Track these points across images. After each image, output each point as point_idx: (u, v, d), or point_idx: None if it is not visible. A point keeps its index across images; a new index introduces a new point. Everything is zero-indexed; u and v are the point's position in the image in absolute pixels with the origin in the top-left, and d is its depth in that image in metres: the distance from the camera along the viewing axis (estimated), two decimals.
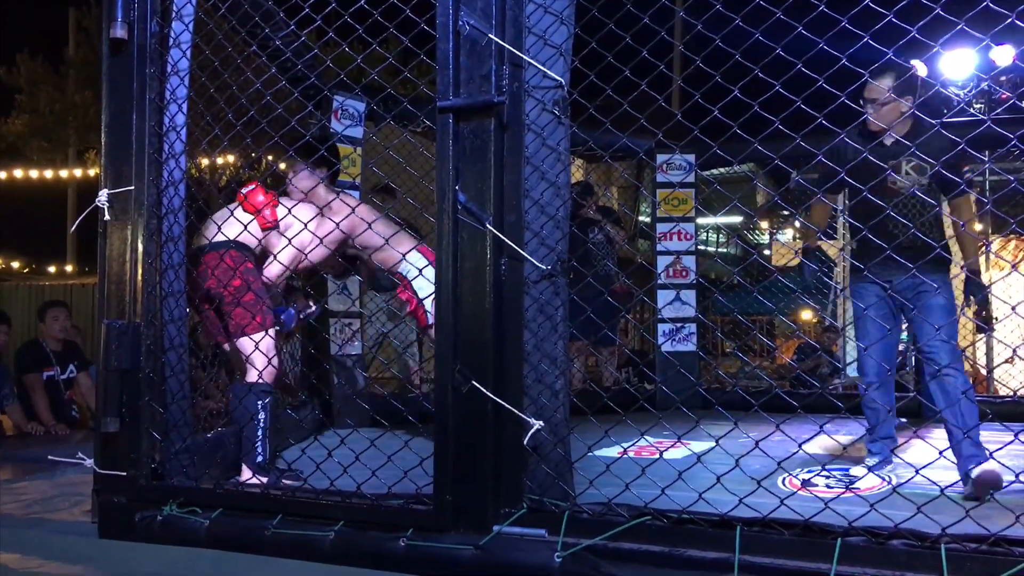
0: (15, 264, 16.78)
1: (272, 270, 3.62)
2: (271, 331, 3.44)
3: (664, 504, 2.17)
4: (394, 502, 2.44)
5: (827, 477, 3.38)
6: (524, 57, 2.31)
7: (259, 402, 3.36)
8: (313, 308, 4.02)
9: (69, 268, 16.61)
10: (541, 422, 2.24)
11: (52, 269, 16.76)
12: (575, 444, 2.36)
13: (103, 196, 2.87)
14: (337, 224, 3.37)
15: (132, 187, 2.84)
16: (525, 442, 2.23)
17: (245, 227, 3.38)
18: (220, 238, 3.38)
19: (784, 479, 3.24)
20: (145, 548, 2.64)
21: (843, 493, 3.04)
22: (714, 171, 7.74)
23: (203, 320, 3.55)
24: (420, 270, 3.74)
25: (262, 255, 3.65)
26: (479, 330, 2.29)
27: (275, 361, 3.41)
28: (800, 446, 2.23)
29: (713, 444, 2.21)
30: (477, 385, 2.25)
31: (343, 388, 5.39)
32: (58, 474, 3.95)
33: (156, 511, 2.70)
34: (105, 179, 2.90)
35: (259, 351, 3.32)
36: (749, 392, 6.06)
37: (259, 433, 3.37)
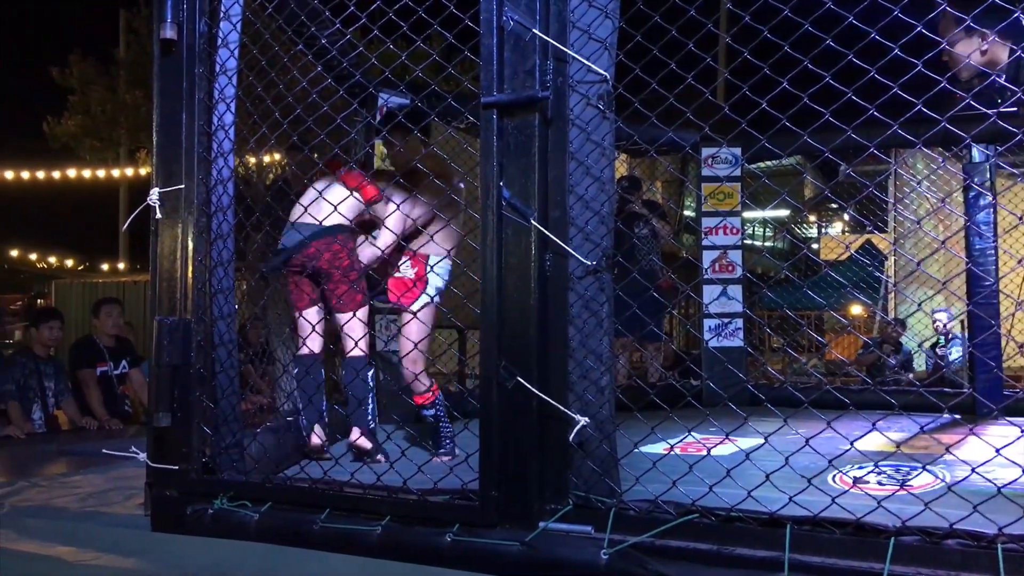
0: (69, 262, 17.20)
1: (382, 243, 3.88)
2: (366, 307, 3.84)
3: (712, 502, 2.15)
4: (440, 498, 2.45)
5: (879, 474, 3.32)
6: (568, 52, 2.30)
7: (370, 372, 3.75)
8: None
9: (121, 266, 16.98)
10: (586, 418, 2.22)
11: (105, 267, 17.16)
12: (621, 441, 2.35)
13: (154, 195, 2.91)
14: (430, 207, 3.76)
15: (182, 185, 2.88)
16: (571, 438, 2.22)
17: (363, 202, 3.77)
18: (331, 221, 3.63)
19: (835, 477, 3.19)
20: (196, 541, 2.68)
21: (896, 491, 2.98)
22: (760, 164, 7.64)
23: (294, 289, 3.80)
24: (439, 260, 3.88)
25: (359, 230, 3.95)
26: (524, 326, 2.28)
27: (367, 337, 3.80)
28: (852, 443, 2.19)
29: (762, 441, 2.19)
30: (522, 381, 2.24)
31: (389, 384, 5.42)
32: (112, 468, 4.04)
33: (207, 505, 2.74)
34: (156, 178, 2.95)
35: (362, 324, 3.72)
36: (799, 388, 5.99)
37: (371, 401, 3.73)
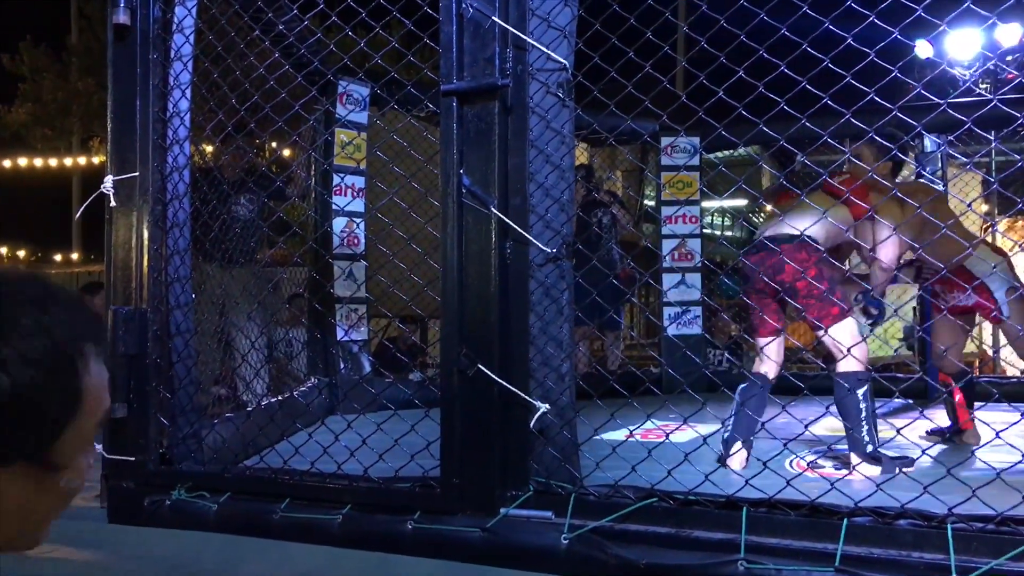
0: (21, 253, 16.82)
1: (886, 255, 3.62)
2: (851, 317, 3.42)
3: (670, 486, 2.17)
4: (401, 485, 2.45)
5: (834, 458, 3.38)
6: (528, 39, 2.30)
7: (860, 391, 3.31)
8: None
9: (75, 256, 16.66)
10: (547, 405, 2.24)
11: (58, 257, 16.81)
12: (581, 427, 2.36)
13: (108, 182, 2.87)
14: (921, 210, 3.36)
15: (137, 173, 2.84)
16: (531, 425, 2.23)
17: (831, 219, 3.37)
18: (791, 231, 3.28)
19: (792, 461, 3.24)
20: (154, 532, 2.66)
21: (849, 474, 3.04)
22: (719, 153, 7.70)
23: (760, 309, 3.48)
24: (994, 266, 3.65)
25: (835, 248, 3.64)
26: (485, 313, 2.29)
27: (863, 347, 3.39)
28: (806, 427, 2.23)
29: (719, 426, 2.22)
30: (483, 368, 2.25)
31: (349, 373, 5.40)
32: None
33: (165, 495, 2.72)
34: (110, 166, 2.90)
35: (850, 337, 3.31)
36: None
37: (864, 421, 3.31)
